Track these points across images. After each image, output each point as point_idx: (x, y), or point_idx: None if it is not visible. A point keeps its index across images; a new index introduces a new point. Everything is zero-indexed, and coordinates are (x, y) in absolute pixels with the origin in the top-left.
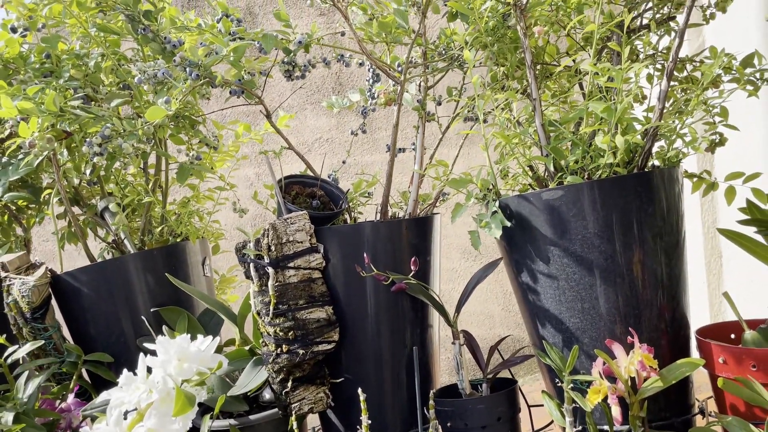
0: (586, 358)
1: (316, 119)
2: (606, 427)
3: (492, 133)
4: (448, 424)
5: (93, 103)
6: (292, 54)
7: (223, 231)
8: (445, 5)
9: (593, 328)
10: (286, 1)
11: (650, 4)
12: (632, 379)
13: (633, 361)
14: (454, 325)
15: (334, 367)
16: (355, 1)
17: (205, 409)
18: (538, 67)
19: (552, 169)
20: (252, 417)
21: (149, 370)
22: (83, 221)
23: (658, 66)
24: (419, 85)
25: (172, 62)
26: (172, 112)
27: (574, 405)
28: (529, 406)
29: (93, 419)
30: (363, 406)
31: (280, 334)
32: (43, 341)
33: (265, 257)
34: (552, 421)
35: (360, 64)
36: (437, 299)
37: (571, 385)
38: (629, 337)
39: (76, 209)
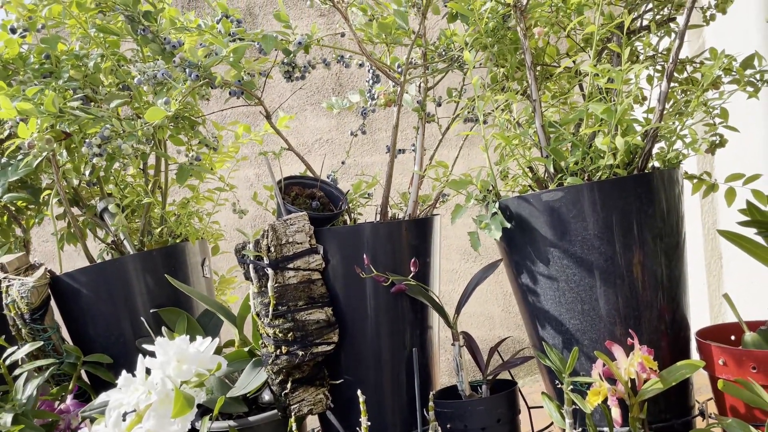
0: (586, 359)
1: (316, 120)
2: (606, 429)
3: (492, 134)
4: (448, 426)
5: (92, 103)
6: (291, 55)
7: (223, 232)
8: (445, 6)
9: (593, 330)
10: (286, 2)
11: (650, 6)
12: (632, 380)
13: (633, 362)
14: (454, 326)
15: (333, 369)
16: (355, 2)
17: (204, 410)
18: (538, 68)
19: (552, 170)
20: (251, 418)
21: (148, 371)
22: (83, 222)
23: (658, 67)
24: (419, 86)
25: (172, 63)
26: (172, 112)
27: (574, 407)
28: (529, 408)
29: (92, 420)
30: (362, 407)
31: (280, 335)
32: (42, 342)
33: (264, 258)
34: (552, 423)
35: (360, 65)
36: (437, 300)
37: (571, 386)
38: (629, 338)
39: (75, 210)
